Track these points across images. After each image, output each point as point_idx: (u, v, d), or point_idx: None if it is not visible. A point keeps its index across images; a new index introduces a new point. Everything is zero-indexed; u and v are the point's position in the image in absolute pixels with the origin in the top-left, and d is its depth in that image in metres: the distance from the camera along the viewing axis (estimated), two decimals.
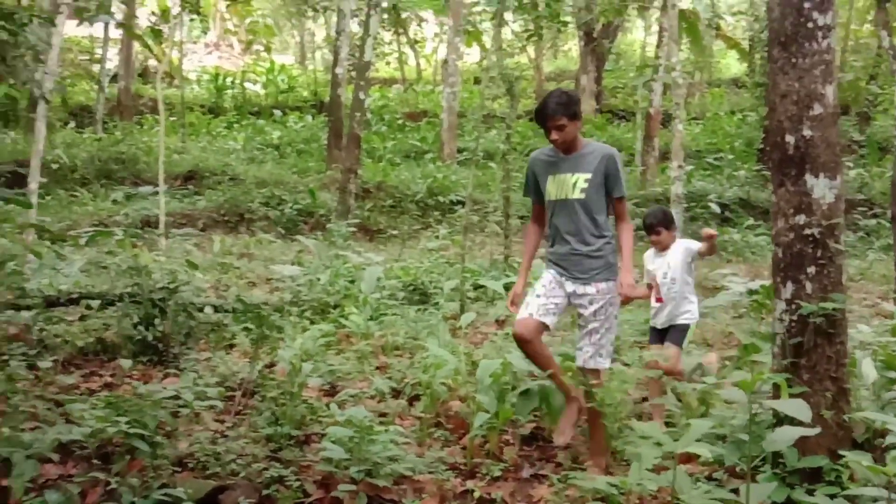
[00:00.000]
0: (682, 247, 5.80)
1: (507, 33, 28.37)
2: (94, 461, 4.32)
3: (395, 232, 14.86)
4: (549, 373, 4.87)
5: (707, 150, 22.42)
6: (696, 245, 5.77)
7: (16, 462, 3.99)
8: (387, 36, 32.81)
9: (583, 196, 4.68)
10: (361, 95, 15.89)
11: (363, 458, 4.31)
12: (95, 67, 26.44)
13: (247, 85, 29.90)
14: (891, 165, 10.68)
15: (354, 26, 23.47)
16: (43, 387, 5.42)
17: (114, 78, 26.56)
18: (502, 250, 11.06)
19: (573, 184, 4.68)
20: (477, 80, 30.38)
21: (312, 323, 7.48)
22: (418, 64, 36.79)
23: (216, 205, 16.15)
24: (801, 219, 4.21)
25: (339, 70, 19.45)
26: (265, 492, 4.21)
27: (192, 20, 26.81)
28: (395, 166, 20.65)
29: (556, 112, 4.60)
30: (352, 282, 8.95)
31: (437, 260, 10.97)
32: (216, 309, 7.62)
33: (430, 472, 4.68)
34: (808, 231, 4.19)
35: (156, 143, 19.46)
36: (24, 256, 7.78)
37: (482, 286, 9.57)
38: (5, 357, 5.64)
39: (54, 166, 16.45)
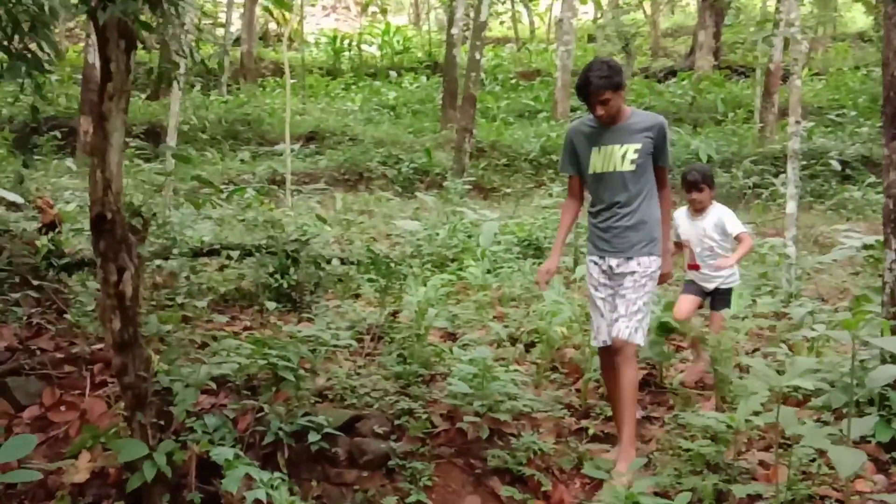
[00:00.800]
0: (719, 217, 5.63)
1: None
2: (244, 392, 4.82)
3: (508, 190, 15.15)
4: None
5: (829, 106, 21.78)
6: (736, 228, 5.62)
7: (177, 391, 4.49)
8: None
9: (633, 167, 4.46)
10: (477, 55, 16.14)
11: (485, 395, 4.67)
12: (219, 31, 27.42)
13: (363, 47, 30.49)
14: None
15: None
16: (193, 328, 5.95)
17: (236, 41, 27.49)
18: None
19: (622, 155, 4.46)
20: (591, 38, 30.21)
21: (433, 274, 7.87)
22: (532, 22, 36.72)
23: (337, 164, 16.74)
24: None
25: (454, 31, 19.72)
26: (396, 422, 4.62)
27: None
28: (509, 125, 20.85)
29: (599, 87, 4.33)
30: (469, 237, 9.30)
31: (550, 216, 11.20)
32: (342, 261, 8.08)
33: (546, 411, 5.01)
34: None
35: (278, 104, 20.25)
36: (166, 210, 8.41)
37: None
38: (153, 302, 6.23)
39: (184, 127, 17.29)
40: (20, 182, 9.49)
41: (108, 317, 4.07)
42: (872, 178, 15.53)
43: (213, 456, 3.90)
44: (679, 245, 5.81)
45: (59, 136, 16.26)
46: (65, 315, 5.95)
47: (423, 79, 27.21)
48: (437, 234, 9.25)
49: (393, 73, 28.03)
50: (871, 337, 3.49)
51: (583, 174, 4.65)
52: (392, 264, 6.58)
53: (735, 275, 5.73)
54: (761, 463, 4.41)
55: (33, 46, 3.99)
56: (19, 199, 7.55)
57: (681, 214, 5.80)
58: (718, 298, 5.72)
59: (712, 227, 5.62)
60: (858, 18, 32.21)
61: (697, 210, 5.69)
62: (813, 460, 4.23)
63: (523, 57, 30.78)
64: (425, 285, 6.58)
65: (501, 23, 36.04)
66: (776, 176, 14.84)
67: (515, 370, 5.17)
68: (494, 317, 7.05)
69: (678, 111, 22.56)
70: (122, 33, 3.95)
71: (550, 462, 4.55)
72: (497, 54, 30.97)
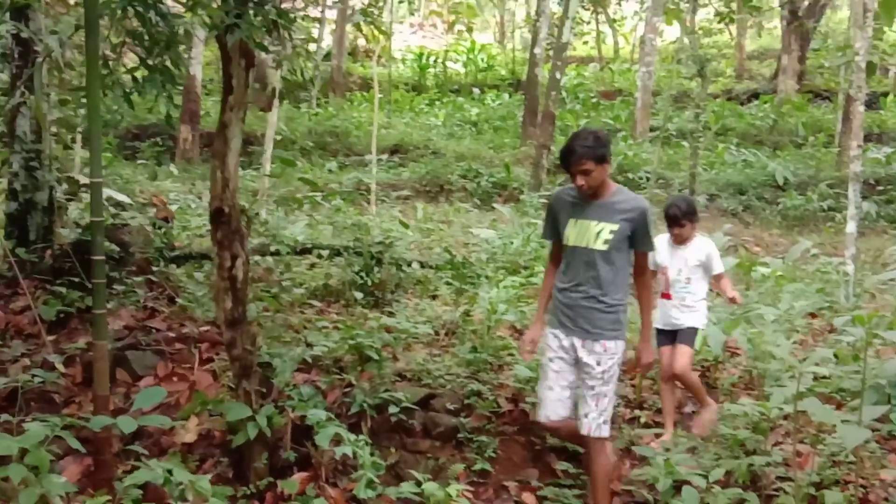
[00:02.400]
0: (704, 251, 5.48)
1: (709, 11, 28.31)
2: (333, 371, 5.45)
3: None
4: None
5: None
6: (718, 267, 5.51)
7: (276, 365, 5.14)
8: (585, 15, 33.30)
9: (606, 248, 4.24)
10: (558, 75, 16.69)
11: None
12: (311, 46, 28.47)
13: (448, 64, 31.26)
14: None
15: (554, 6, 24.23)
16: (287, 316, 6.63)
17: (326, 56, 28.52)
18: None
19: (597, 233, 4.25)
20: (676, 59, 30.46)
21: (505, 278, 8.42)
22: (616, 42, 37.06)
23: (419, 176, 17.44)
24: None
25: (537, 50, 20.30)
26: (466, 401, 5.21)
27: (400, 1, 28.35)
28: None
29: (581, 157, 4.14)
30: (542, 246, 9.81)
31: None
32: (422, 265, 8.69)
33: None
34: None
35: (365, 118, 21.10)
36: (260, 212, 9.13)
37: None
38: (251, 294, 6.94)
39: (277, 138, 18.20)
40: (126, 183, 10.42)
41: (222, 297, 4.73)
42: None
43: (309, 417, 4.50)
44: (653, 272, 5.49)
45: (159, 142, 17.37)
46: (175, 301, 6.69)
47: (506, 96, 27.81)
48: (512, 243, 9.80)
49: (476, 90, 28.70)
50: (885, 332, 3.91)
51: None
52: (468, 267, 7.15)
53: (702, 316, 5.51)
54: (797, 452, 4.84)
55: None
56: (126, 199, 8.34)
57: (662, 241, 5.52)
58: (684, 335, 5.43)
59: (695, 258, 5.44)
60: None
61: (679, 242, 5.49)
62: (843, 451, 4.65)
63: (606, 76, 31.16)
64: (498, 287, 7.13)
65: (585, 42, 36.45)
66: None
67: None
68: None
69: (759, 133, 22.72)
70: (242, 53, 4.62)
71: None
72: (580, 73, 31.41)
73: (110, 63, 4.27)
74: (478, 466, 4.75)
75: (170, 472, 3.54)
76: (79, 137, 9.07)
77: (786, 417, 5.16)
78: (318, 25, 27.46)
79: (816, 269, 9.73)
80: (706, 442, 5.03)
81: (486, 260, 9.21)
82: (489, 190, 17.09)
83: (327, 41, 28.94)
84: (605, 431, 4.35)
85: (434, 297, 8.19)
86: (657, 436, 5.27)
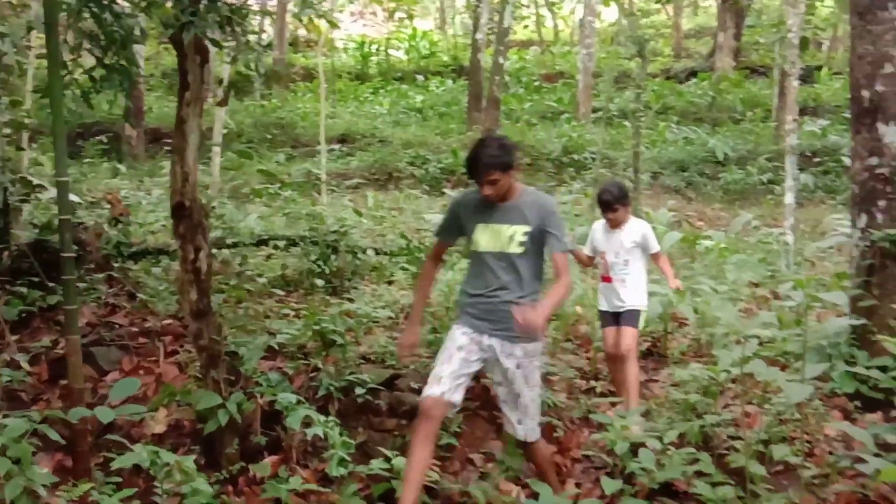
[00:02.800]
0: (640, 232, 5.58)
1: None
2: (298, 357, 5.59)
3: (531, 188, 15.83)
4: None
5: (846, 105, 22.26)
6: (654, 247, 5.62)
7: (243, 354, 5.27)
8: None
9: (522, 250, 4.19)
10: (501, 60, 16.90)
11: None
12: (251, 37, 28.24)
13: (390, 52, 31.30)
14: None
15: None
16: (247, 307, 6.73)
17: (267, 47, 28.32)
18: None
19: (510, 236, 4.19)
20: (614, 41, 30.83)
21: (459, 261, 8.60)
22: (556, 25, 37.36)
23: (367, 164, 17.54)
24: (874, 160, 5.02)
25: (479, 35, 20.46)
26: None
27: None
28: (532, 126, 21.55)
29: (488, 166, 4.09)
30: None
31: (570, 212, 11.91)
32: (377, 251, 8.84)
33: (560, 373, 5.75)
34: (879, 171, 5.01)
35: (310, 108, 21.10)
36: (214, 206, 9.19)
37: None
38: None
39: (223, 131, 18.16)
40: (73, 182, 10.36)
41: (186, 289, 4.85)
42: None
43: (279, 401, 4.64)
44: (591, 258, 5.78)
45: (104, 140, 17.20)
46: (135, 296, 6.76)
47: (449, 82, 27.94)
48: None
49: (420, 77, 28.79)
50: (820, 293, 4.18)
51: (452, 243, 4.60)
52: (423, 251, 7.31)
53: (645, 296, 5.62)
54: (745, 413, 5.11)
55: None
56: (76, 199, 8.34)
57: (598, 226, 5.72)
58: (627, 316, 5.53)
59: (630, 240, 5.54)
60: None
61: (614, 226, 5.60)
62: (788, 410, 4.92)
63: (547, 59, 31.44)
64: (453, 270, 7.31)
65: (525, 27, 36.70)
66: None
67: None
68: None
69: (698, 111, 23.18)
70: (197, 50, 4.72)
71: (562, 413, 5.29)
72: (521, 57, 31.64)
73: (69, 64, 4.34)
74: (444, 441, 4.93)
75: (156, 453, 3.66)
76: (24, 138, 9.02)
77: (734, 381, 5.43)
78: (258, 17, 27.31)
79: (758, 240, 10.06)
80: (659, 408, 5.28)
81: None
82: (437, 176, 17.24)
83: (268, 32, 28.80)
84: (538, 433, 4.41)
85: (390, 283, 8.34)
86: (612, 405, 5.50)
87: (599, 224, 5.69)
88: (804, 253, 8.62)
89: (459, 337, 4.26)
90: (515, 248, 4.20)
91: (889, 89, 4.93)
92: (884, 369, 4.83)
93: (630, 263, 5.53)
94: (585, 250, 5.80)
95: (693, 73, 28.18)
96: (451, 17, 39.85)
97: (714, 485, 4.29)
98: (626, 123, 18.93)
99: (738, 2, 26.76)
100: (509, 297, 4.19)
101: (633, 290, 5.52)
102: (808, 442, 4.73)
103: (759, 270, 8.01)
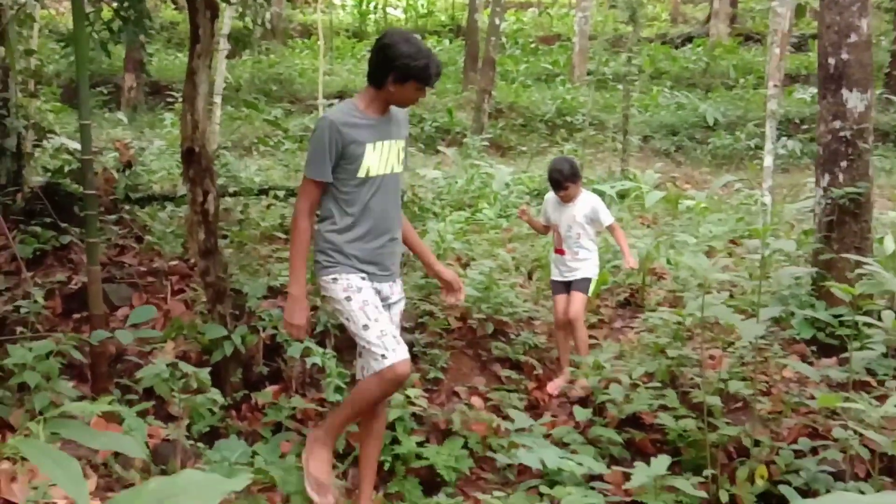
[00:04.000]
0: (590, 205, 5.67)
1: None
2: None
3: (524, 148, 16.19)
4: None
5: None
6: (608, 219, 5.70)
7: (247, 290, 5.65)
8: None
9: (402, 169, 3.91)
10: (497, 21, 17.12)
11: (491, 301, 5.80)
12: None
13: (388, 10, 31.37)
14: None
15: None
16: (248, 251, 7.11)
17: (267, 2, 28.40)
18: (619, 163, 12.25)
19: (397, 152, 3.82)
20: (613, 5, 30.97)
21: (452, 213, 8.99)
22: None
23: None
24: (838, 124, 5.39)
25: None
26: (420, 320, 5.79)
27: None
28: (527, 88, 21.79)
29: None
30: (484, 185, 10.39)
31: None
32: None
33: (541, 318, 6.15)
34: (842, 133, 5.37)
35: (307, 65, 21.30)
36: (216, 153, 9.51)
37: (600, 192, 10.84)
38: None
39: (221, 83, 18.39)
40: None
41: (195, 229, 5.21)
42: None
43: (280, 334, 5.03)
44: (546, 226, 5.92)
45: (104, 91, 17.46)
46: (143, 239, 7.12)
47: (447, 42, 28.08)
48: (457, 182, 10.35)
49: (417, 36, 28.89)
50: (772, 241, 4.56)
51: (337, 180, 3.72)
52: (417, 204, 7.69)
53: (595, 266, 5.76)
54: (710, 356, 5.53)
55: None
56: (76, 145, 8.66)
57: (550, 199, 5.81)
58: (577, 284, 5.66)
59: (581, 214, 5.65)
60: None
61: (566, 200, 5.69)
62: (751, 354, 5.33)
63: (544, 21, 31.56)
64: (445, 221, 7.69)
65: None
66: (778, 139, 15.79)
67: (519, 288, 6.30)
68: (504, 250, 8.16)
69: (692, 76, 23.43)
70: (208, 5, 5.05)
71: (542, 354, 5.70)
72: (519, 18, 31.74)
73: (90, 16, 4.67)
74: (431, 375, 5.35)
75: (175, 364, 4.06)
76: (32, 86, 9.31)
77: (703, 327, 5.85)
78: None
79: (739, 201, 10.45)
80: (632, 350, 5.69)
81: (432, 199, 9.74)
82: (433, 134, 17.54)
83: None
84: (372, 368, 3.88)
85: None
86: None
87: (552, 196, 5.78)
88: (783, 215, 8.98)
89: (361, 288, 3.78)
90: (399, 168, 3.88)
91: (853, 57, 5.28)
92: (839, 318, 5.23)
93: (581, 237, 5.66)
94: (540, 219, 5.95)
95: (689, 39, 28.36)
96: None
97: (677, 418, 4.72)
98: (620, 87, 19.30)
99: None
100: (397, 235, 3.97)
101: (584, 261, 5.66)
102: (766, 382, 5.14)
103: (736, 228, 8.40)
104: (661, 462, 3.73)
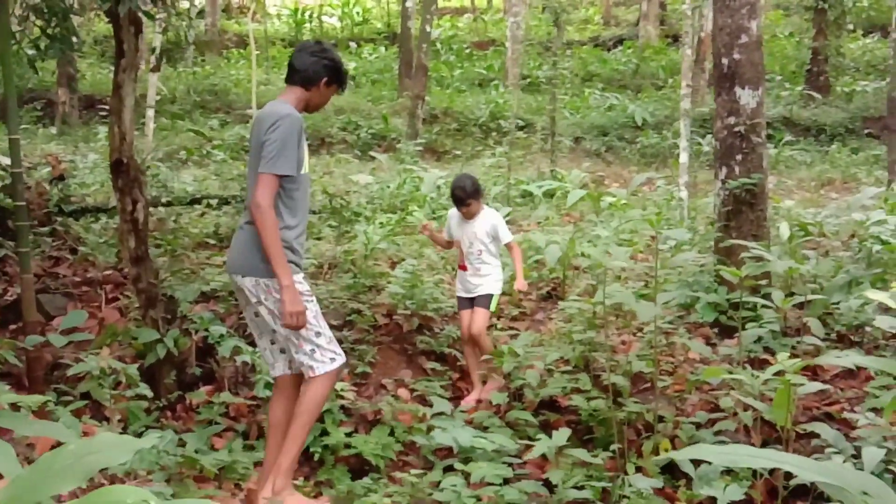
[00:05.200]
0: (490, 222, 5.74)
1: None
2: (229, 300, 6.19)
3: (458, 152, 16.51)
4: None
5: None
6: (507, 237, 5.77)
7: (179, 295, 5.85)
8: None
9: None
10: (428, 28, 17.45)
11: (416, 297, 6.08)
12: (184, 4, 28.27)
13: (324, 18, 31.53)
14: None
15: None
16: (185, 257, 7.30)
17: (199, 14, 28.33)
18: (548, 163, 12.63)
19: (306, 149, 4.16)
20: (544, 9, 31.51)
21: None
22: None
23: None
24: (732, 120, 5.76)
25: (409, 3, 20.94)
26: (348, 318, 6.04)
27: None
28: (462, 93, 22.17)
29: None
30: (416, 189, 10.68)
31: (492, 174, 12.61)
32: None
33: None
34: (736, 128, 5.75)
35: (243, 75, 21.40)
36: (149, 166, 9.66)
37: (529, 192, 11.21)
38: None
39: (157, 97, 18.44)
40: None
41: (126, 238, 5.41)
42: (790, 137, 17.10)
43: (210, 334, 5.24)
44: (449, 242, 6.00)
45: (37, 107, 17.42)
46: (76, 250, 7.26)
47: (382, 49, 28.34)
48: (388, 187, 10.62)
49: (353, 44, 29.13)
50: (668, 228, 4.92)
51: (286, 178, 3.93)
52: (346, 209, 7.95)
53: (499, 283, 5.83)
54: (623, 342, 5.87)
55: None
56: (6, 160, 8.74)
57: (453, 215, 5.89)
58: (480, 300, 5.74)
59: (483, 231, 5.72)
60: None
61: (468, 216, 5.77)
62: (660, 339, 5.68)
63: (479, 27, 32.00)
64: (374, 224, 7.96)
65: None
66: (704, 137, 16.35)
67: (445, 285, 6.59)
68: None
69: (622, 78, 24.03)
70: (132, 21, 5.26)
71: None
72: (454, 24, 32.13)
73: (16, 35, 4.84)
74: (359, 370, 5.61)
75: (105, 362, 4.26)
76: None
77: (617, 316, 6.20)
78: None
79: (662, 197, 10.89)
80: (551, 339, 6.01)
81: (365, 203, 10.00)
82: (369, 141, 17.80)
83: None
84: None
85: (318, 239, 8.94)
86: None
87: (455, 213, 5.86)
88: (698, 208, 9.41)
89: (304, 291, 4.01)
90: None
91: (744, 57, 5.67)
92: (737, 301, 5.61)
93: (483, 253, 5.73)
94: (444, 234, 6.04)
95: (620, 41, 29.03)
96: None
97: (589, 399, 5.04)
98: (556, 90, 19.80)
99: None
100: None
101: (486, 277, 5.75)
102: (672, 363, 5.50)
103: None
104: (562, 434, 4.04)
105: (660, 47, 26.42)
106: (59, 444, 4.24)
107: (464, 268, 5.79)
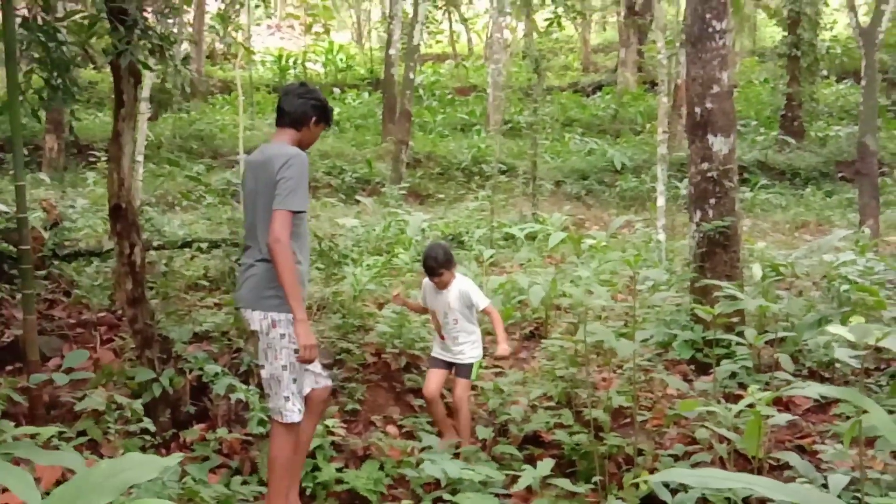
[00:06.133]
0: (462, 290, 5.66)
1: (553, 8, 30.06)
2: (222, 341, 6.37)
3: (441, 196, 16.81)
4: None
5: (740, 116, 23.86)
6: (482, 302, 5.65)
7: (173, 336, 6.02)
8: (439, 14, 34.59)
9: None
10: (411, 75, 17.83)
11: (403, 336, 6.28)
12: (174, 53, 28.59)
13: (308, 65, 31.98)
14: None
15: (408, 6, 25.35)
16: (178, 299, 7.47)
17: (184, 60, 28.68)
18: (530, 207, 12.91)
19: None
20: (525, 56, 32.10)
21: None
22: (469, 40, 38.53)
23: None
24: (705, 165, 6.04)
25: (392, 51, 21.38)
26: (338, 357, 6.23)
27: (256, 6, 28.89)
28: (444, 138, 22.54)
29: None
30: (401, 232, 10.92)
31: (475, 217, 12.89)
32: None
33: None
34: (709, 174, 6.03)
35: (228, 121, 21.69)
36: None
37: (512, 235, 11.47)
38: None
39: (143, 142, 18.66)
40: None
41: (123, 280, 5.59)
42: (765, 181, 17.50)
43: (205, 373, 5.41)
44: (424, 308, 5.94)
45: (24, 152, 17.58)
46: (70, 293, 7.43)
47: (366, 95, 28.76)
48: (374, 230, 10.86)
49: (337, 90, 29.53)
50: (645, 268, 5.15)
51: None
52: (334, 251, 8.15)
53: (478, 350, 5.73)
54: (604, 379, 6.08)
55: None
56: (4, 208, 8.93)
57: (427, 285, 5.84)
58: (460, 369, 5.68)
59: (456, 300, 5.65)
60: (776, 33, 34.51)
61: (440, 286, 5.71)
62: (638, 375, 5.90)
63: (461, 73, 32.54)
64: (361, 266, 8.17)
65: (438, 41, 37.73)
66: (681, 181, 16.72)
67: (430, 325, 6.77)
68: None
69: (602, 123, 24.52)
70: (131, 72, 5.49)
71: (451, 384, 6.17)
72: (436, 70, 32.66)
73: (21, 86, 5.07)
74: (349, 407, 5.79)
75: (111, 396, 4.42)
76: None
77: (598, 354, 6.41)
78: (175, 30, 27.70)
79: (641, 239, 11.18)
80: (534, 377, 6.21)
81: (351, 246, 10.22)
82: (353, 185, 18.08)
83: (183, 45, 29.15)
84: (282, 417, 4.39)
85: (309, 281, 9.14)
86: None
87: (429, 283, 5.79)
88: (675, 250, 9.69)
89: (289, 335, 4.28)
90: None
91: (716, 106, 5.97)
92: (712, 341, 5.85)
93: (459, 322, 5.64)
94: (419, 301, 5.99)
95: (599, 87, 29.63)
96: (368, 31, 40.71)
97: (571, 433, 5.24)
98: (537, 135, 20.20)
99: (641, 18, 28.29)
100: None
101: (465, 345, 5.66)
102: (651, 399, 5.71)
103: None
104: (545, 465, 4.24)
105: (638, 93, 26.98)
106: (63, 476, 4.41)
107: (442, 337, 5.72)
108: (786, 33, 20.81)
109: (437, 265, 5.57)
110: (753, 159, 18.65)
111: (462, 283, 5.69)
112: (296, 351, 4.19)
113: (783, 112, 20.76)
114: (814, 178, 18.19)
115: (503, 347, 5.55)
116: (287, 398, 4.26)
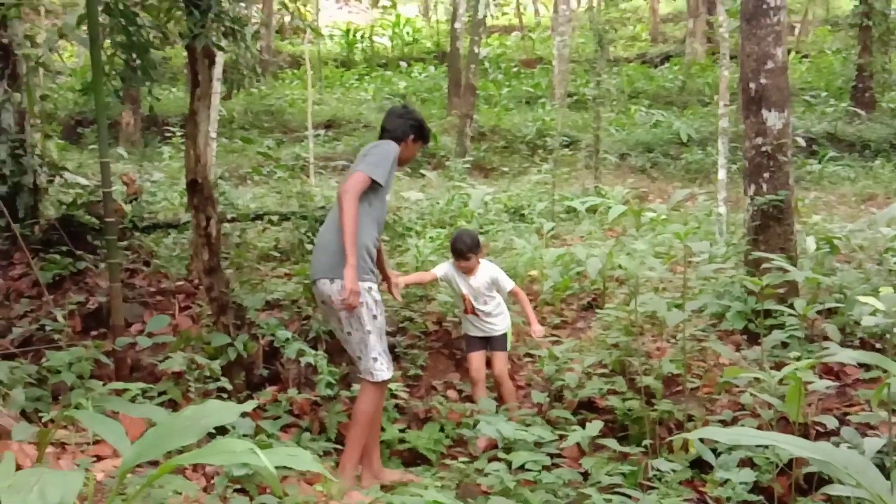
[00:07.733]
0: (489, 275, 5.97)
1: None
2: (293, 309, 6.70)
3: (506, 169, 16.96)
4: None
5: (810, 87, 23.45)
6: (507, 285, 6.00)
7: (247, 303, 6.37)
8: None
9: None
10: (476, 49, 17.97)
11: None
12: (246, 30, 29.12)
13: (375, 38, 32.25)
14: None
15: None
16: (250, 269, 7.83)
17: (254, 35, 29.18)
18: (592, 180, 13.01)
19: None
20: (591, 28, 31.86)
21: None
22: (536, 11, 38.37)
23: (353, 148, 18.55)
24: (760, 140, 6.14)
25: (457, 24, 21.50)
26: (401, 325, 6.52)
27: None
28: (509, 111, 22.62)
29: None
30: (465, 205, 11.15)
31: (538, 190, 13.04)
32: None
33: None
34: (763, 148, 6.12)
35: (297, 95, 22.12)
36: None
37: (573, 208, 11.61)
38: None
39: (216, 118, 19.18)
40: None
41: (200, 251, 5.94)
42: (835, 153, 17.25)
43: (277, 337, 5.74)
44: (434, 276, 6.24)
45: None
46: (149, 263, 7.84)
47: (432, 68, 28.90)
48: (438, 203, 11.10)
49: (403, 64, 29.77)
50: (691, 242, 5.29)
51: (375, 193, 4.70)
52: (399, 224, 8.44)
53: (507, 319, 6.05)
54: (658, 349, 6.26)
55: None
56: (85, 182, 9.40)
57: (452, 272, 6.09)
58: (496, 342, 5.97)
59: (484, 285, 5.94)
60: (849, 2, 33.64)
61: (466, 272, 5.99)
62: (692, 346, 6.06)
63: (527, 45, 32.47)
64: (424, 238, 8.43)
65: (504, 13, 37.64)
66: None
67: None
68: None
69: (669, 94, 24.29)
70: (206, 54, 5.81)
71: (511, 353, 6.42)
72: (502, 43, 32.65)
73: (105, 67, 5.42)
74: (412, 373, 6.08)
75: (191, 358, 4.77)
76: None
77: (653, 324, 6.58)
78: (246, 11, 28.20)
79: (703, 212, 11.22)
80: (590, 346, 6.42)
81: (415, 218, 10.48)
82: (418, 159, 18.26)
83: (255, 20, 29.65)
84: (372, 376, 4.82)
85: None
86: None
87: (453, 271, 6.09)
88: (735, 222, 9.72)
89: (376, 301, 4.88)
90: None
91: (770, 82, 6.05)
92: (764, 312, 5.98)
93: (489, 302, 5.97)
94: (437, 272, 6.21)
95: (667, 58, 29.29)
96: (434, 3, 40.76)
97: (624, 400, 5.45)
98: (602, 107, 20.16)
99: None
100: None
101: (498, 315, 5.99)
102: (703, 367, 5.87)
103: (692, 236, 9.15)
104: (595, 426, 4.46)
105: (706, 64, 26.59)
106: (147, 428, 4.79)
107: (475, 313, 5.97)
108: (857, 2, 20.31)
109: (466, 248, 5.88)
110: (822, 131, 18.37)
111: (490, 269, 6.03)
112: (374, 317, 4.70)
113: (854, 83, 20.33)
114: (884, 151, 17.82)
115: (537, 328, 5.97)
116: (375, 358, 4.72)
